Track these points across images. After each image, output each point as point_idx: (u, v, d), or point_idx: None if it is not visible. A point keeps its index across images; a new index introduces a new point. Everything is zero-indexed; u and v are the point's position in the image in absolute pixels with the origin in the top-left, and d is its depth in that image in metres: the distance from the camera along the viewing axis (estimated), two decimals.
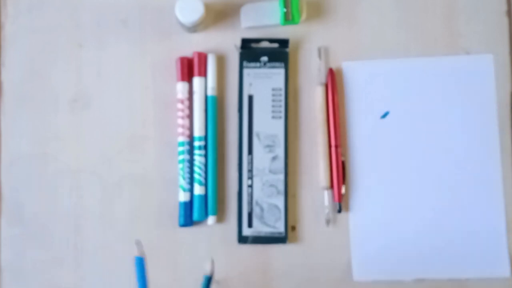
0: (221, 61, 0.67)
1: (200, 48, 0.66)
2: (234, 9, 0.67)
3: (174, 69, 0.66)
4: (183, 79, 0.64)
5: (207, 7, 0.63)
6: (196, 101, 0.65)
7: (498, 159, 0.65)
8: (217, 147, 0.65)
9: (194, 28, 0.65)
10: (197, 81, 0.65)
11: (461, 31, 0.67)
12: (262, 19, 0.66)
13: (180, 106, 0.64)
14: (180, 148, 0.64)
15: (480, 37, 0.66)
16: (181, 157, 0.64)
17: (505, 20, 0.67)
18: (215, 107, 0.65)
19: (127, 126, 0.66)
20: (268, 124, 0.65)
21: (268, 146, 0.65)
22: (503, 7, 0.67)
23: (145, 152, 0.65)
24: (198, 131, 0.64)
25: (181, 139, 0.64)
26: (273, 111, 0.65)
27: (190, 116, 0.65)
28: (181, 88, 0.64)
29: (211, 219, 0.64)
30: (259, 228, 0.64)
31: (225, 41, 0.66)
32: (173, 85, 0.66)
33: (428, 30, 0.67)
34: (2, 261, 0.65)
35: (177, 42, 0.66)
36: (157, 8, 0.67)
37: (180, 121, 0.64)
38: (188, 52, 0.66)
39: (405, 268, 0.64)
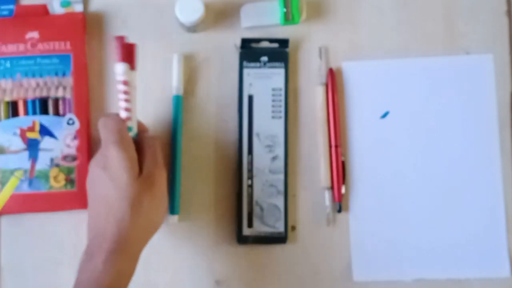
0: (221, 61, 0.67)
1: (200, 48, 0.66)
2: (234, 9, 0.67)
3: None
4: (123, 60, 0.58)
5: (207, 7, 0.63)
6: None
7: (498, 159, 0.65)
8: (180, 146, 0.65)
9: (194, 28, 0.65)
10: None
11: (461, 31, 0.67)
12: (262, 19, 0.66)
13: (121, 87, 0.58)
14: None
15: (480, 37, 0.66)
16: None
17: (505, 20, 0.67)
18: (181, 107, 0.65)
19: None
20: (268, 124, 0.65)
21: (268, 146, 0.65)
22: (503, 7, 0.67)
23: None
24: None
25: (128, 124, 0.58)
26: (273, 111, 0.65)
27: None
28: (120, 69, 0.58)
29: (172, 219, 0.64)
30: (259, 228, 0.64)
31: (225, 41, 0.66)
32: (173, 85, 0.66)
33: (428, 30, 0.67)
34: (2, 261, 0.65)
35: (177, 42, 0.66)
36: (157, 8, 0.67)
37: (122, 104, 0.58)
38: (187, 52, 0.66)
39: (405, 268, 0.64)
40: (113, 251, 0.52)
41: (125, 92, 0.57)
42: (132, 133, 0.57)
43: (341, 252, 0.65)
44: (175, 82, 0.65)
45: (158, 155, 0.57)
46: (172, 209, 0.63)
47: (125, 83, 0.57)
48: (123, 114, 0.57)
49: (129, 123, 0.57)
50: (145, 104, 0.66)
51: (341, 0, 0.67)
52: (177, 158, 0.64)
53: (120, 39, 0.57)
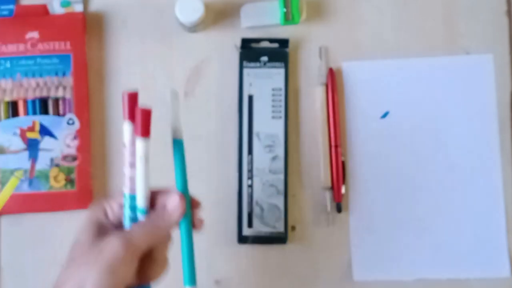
0: (221, 61, 0.67)
1: (200, 48, 0.66)
2: (234, 9, 0.67)
3: (174, 69, 0.66)
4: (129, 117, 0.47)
5: (207, 7, 0.63)
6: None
7: (498, 159, 0.65)
8: (189, 201, 0.48)
9: (194, 28, 0.65)
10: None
11: (461, 31, 0.67)
12: (262, 19, 0.66)
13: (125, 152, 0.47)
14: (124, 202, 0.47)
15: (480, 37, 0.66)
16: (124, 211, 0.47)
17: (505, 20, 0.67)
18: (183, 155, 0.49)
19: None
20: (268, 124, 0.65)
21: (268, 146, 0.65)
22: (503, 7, 0.67)
23: None
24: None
25: (125, 191, 0.46)
26: (273, 111, 0.65)
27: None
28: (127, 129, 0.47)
29: None
30: (259, 228, 0.64)
31: (225, 41, 0.66)
32: (173, 85, 0.66)
33: (428, 30, 0.67)
34: (2, 261, 0.65)
35: (177, 42, 0.67)
36: (157, 8, 0.67)
37: (125, 170, 0.46)
38: (187, 52, 0.66)
39: (405, 268, 0.64)
40: None
41: (129, 157, 0.46)
42: (140, 205, 0.46)
43: (341, 252, 0.65)
44: (172, 122, 0.50)
45: (154, 226, 0.46)
46: (188, 280, 0.48)
47: (125, 146, 0.46)
48: (124, 181, 0.46)
49: (127, 191, 0.46)
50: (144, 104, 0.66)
51: (341, 0, 0.67)
52: (187, 215, 0.47)
53: (131, 97, 0.46)
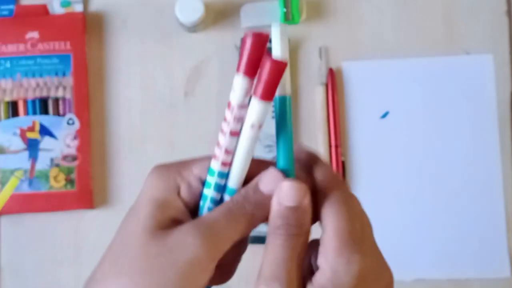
0: (221, 61, 0.67)
1: (200, 48, 0.66)
2: (234, 9, 0.67)
3: (174, 69, 0.66)
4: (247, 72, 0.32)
5: (207, 7, 0.63)
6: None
7: (498, 159, 0.65)
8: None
9: (194, 28, 0.65)
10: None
11: (461, 31, 0.67)
12: (262, 19, 0.66)
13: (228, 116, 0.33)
14: (209, 179, 0.33)
15: (480, 37, 0.66)
16: (206, 191, 0.33)
17: (505, 20, 0.67)
18: (289, 117, 0.35)
19: (128, 127, 0.66)
20: (268, 124, 0.65)
21: (268, 146, 0.65)
22: (503, 7, 0.67)
23: (145, 153, 0.65)
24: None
25: (214, 165, 0.33)
26: (273, 111, 0.65)
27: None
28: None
29: None
30: (259, 228, 0.64)
31: (225, 41, 0.66)
32: (173, 85, 0.66)
33: (428, 30, 0.67)
34: (2, 261, 0.65)
35: (177, 42, 0.66)
36: (157, 8, 0.67)
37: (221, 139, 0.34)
38: (187, 52, 0.66)
39: (404, 268, 0.64)
40: None
41: (233, 123, 0.34)
42: (232, 185, 0.34)
43: None
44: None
45: (245, 214, 0.33)
46: None
47: (230, 107, 0.33)
48: (216, 152, 0.34)
49: (217, 167, 0.33)
50: (144, 105, 0.66)
51: (341, 0, 0.67)
52: None
53: (257, 40, 0.33)
